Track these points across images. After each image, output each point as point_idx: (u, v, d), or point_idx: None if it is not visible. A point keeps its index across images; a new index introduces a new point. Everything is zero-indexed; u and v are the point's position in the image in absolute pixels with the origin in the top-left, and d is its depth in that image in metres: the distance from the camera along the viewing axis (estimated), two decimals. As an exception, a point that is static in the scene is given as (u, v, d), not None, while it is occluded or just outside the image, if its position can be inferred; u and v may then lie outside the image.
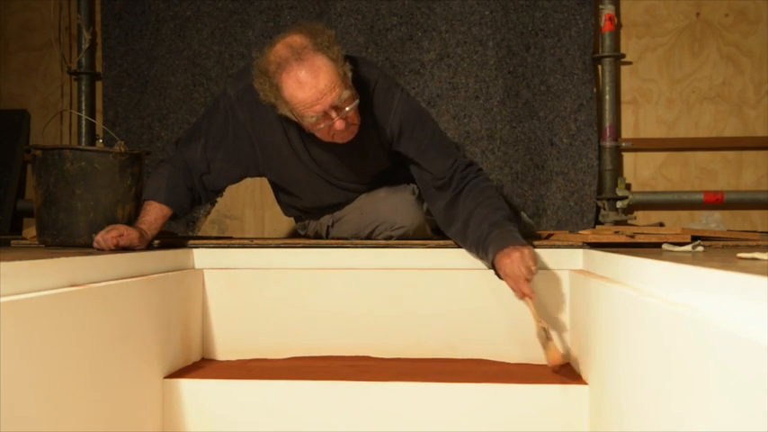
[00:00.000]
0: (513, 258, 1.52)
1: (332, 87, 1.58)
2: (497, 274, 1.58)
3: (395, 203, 1.91)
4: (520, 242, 1.57)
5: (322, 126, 1.64)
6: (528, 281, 1.52)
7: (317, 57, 1.58)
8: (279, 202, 2.13)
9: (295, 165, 1.87)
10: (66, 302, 1.14)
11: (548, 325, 1.55)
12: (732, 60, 2.81)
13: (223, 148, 1.83)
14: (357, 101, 1.65)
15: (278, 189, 2.06)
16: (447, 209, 1.76)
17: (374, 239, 1.94)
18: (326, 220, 2.05)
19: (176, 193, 1.80)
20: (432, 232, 2.05)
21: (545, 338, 1.50)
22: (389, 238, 1.92)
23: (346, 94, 1.61)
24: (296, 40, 1.60)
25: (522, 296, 1.54)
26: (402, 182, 1.97)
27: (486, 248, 1.61)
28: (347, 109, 1.63)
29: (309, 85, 1.57)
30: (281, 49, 1.60)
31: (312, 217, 2.09)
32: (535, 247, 1.76)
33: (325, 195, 1.97)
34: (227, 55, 2.85)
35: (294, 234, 2.47)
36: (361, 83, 1.74)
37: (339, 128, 1.64)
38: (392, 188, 1.97)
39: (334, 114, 1.62)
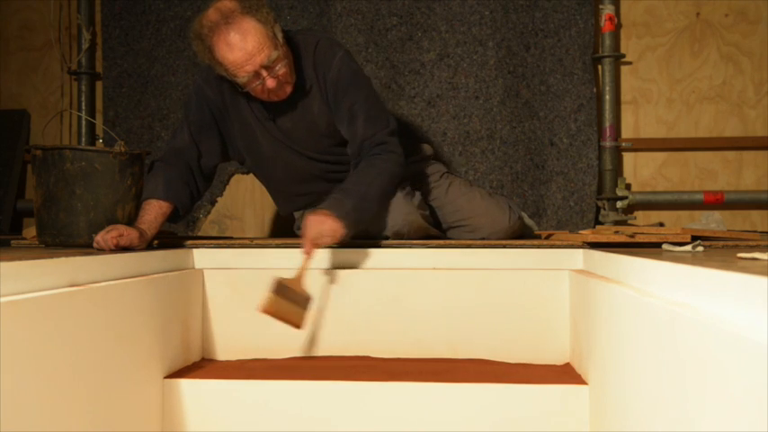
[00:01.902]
0: (316, 220, 1.61)
1: (260, 48, 1.69)
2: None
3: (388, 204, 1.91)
4: (335, 211, 1.63)
5: (255, 85, 1.75)
6: (316, 245, 1.60)
7: (245, 19, 1.69)
8: (270, 195, 2.16)
9: (261, 135, 1.93)
10: (66, 302, 1.14)
11: (291, 282, 1.60)
12: (732, 60, 2.81)
13: (206, 129, 1.92)
14: (287, 60, 1.76)
15: (258, 175, 2.11)
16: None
17: (371, 240, 1.94)
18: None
19: (174, 188, 1.82)
20: (434, 227, 2.06)
21: (275, 287, 1.55)
22: (385, 238, 1.92)
23: (275, 54, 1.71)
24: (225, 4, 1.71)
25: (303, 252, 1.61)
26: None
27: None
28: (277, 67, 1.73)
29: (238, 46, 1.68)
30: (212, 13, 1.71)
31: (303, 205, 2.08)
32: (534, 247, 1.76)
33: (296, 168, 1.99)
34: (227, 55, 2.85)
35: (294, 235, 2.47)
36: (302, 43, 1.85)
37: (270, 86, 1.74)
38: None
39: (264, 74, 1.72)
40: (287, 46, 1.78)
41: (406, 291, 1.75)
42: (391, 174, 1.81)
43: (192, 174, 1.89)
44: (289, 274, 1.76)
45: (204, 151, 1.92)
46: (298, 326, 1.60)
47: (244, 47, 1.68)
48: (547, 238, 2.11)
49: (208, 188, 2.01)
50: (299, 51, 1.85)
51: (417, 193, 2.00)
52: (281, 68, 1.73)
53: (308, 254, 1.60)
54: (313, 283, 1.76)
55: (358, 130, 1.83)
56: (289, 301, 1.57)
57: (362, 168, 1.80)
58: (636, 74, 2.86)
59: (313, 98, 1.88)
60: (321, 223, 1.61)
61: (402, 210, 1.89)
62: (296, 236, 2.26)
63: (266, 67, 1.71)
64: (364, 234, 1.96)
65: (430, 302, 1.74)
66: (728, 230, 2.02)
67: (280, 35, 1.74)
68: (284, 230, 2.83)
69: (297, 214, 2.15)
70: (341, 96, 1.85)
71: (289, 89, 1.81)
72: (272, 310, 1.54)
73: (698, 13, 2.83)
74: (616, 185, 2.79)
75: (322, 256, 1.78)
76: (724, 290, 0.82)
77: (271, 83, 1.74)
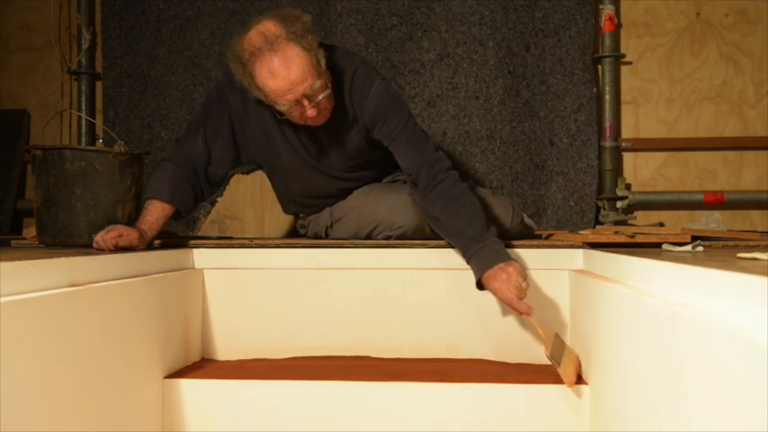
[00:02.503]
0: (501, 281, 1.52)
1: (304, 78, 1.62)
2: (482, 288, 1.58)
3: (393, 204, 1.91)
4: (503, 259, 1.55)
5: (294, 113, 1.69)
6: (521, 299, 1.51)
7: (290, 46, 1.61)
8: (278, 196, 2.14)
9: (284, 149, 1.90)
10: (66, 302, 1.14)
11: (555, 338, 1.55)
12: (732, 60, 2.81)
13: (222, 135, 1.87)
14: (329, 90, 1.69)
15: (272, 179, 2.08)
16: (422, 207, 1.78)
17: (373, 240, 1.94)
18: (325, 220, 2.05)
19: (180, 192, 1.80)
20: (431, 231, 2.05)
21: (553, 358, 1.50)
22: (388, 238, 1.92)
23: (318, 83, 1.65)
24: (269, 28, 1.63)
25: (520, 314, 1.55)
26: (392, 173, 2.02)
27: (469, 263, 1.61)
28: (319, 97, 1.67)
29: (282, 75, 1.61)
30: (254, 36, 1.63)
31: (310, 211, 2.08)
32: (534, 247, 1.76)
33: (315, 183, 1.98)
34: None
35: (294, 234, 2.47)
36: (341, 70, 1.79)
37: (311, 114, 1.69)
38: (390, 188, 1.98)
39: (306, 103, 1.66)
40: (328, 72, 1.72)
41: (406, 291, 1.75)
42: (464, 189, 1.75)
43: (199, 179, 1.86)
44: (291, 274, 1.77)
45: (215, 159, 1.88)
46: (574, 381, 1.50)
47: (288, 76, 1.61)
48: (547, 238, 2.11)
49: (213, 193, 1.97)
50: (338, 76, 1.79)
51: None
52: (323, 98, 1.68)
53: (528, 311, 1.52)
54: (313, 283, 1.76)
55: (406, 155, 1.78)
56: (564, 356, 1.53)
57: (455, 202, 1.71)
58: (636, 74, 2.86)
59: (346, 124, 1.84)
60: (508, 280, 1.52)
61: (410, 212, 1.89)
62: (298, 235, 2.27)
63: (308, 96, 1.65)
64: (368, 235, 1.97)
65: (430, 302, 1.74)
66: (728, 230, 2.02)
67: (323, 62, 1.67)
68: (284, 230, 2.83)
69: (301, 214, 2.15)
70: (381, 123, 1.80)
71: (327, 115, 1.75)
72: (572, 380, 1.48)
73: (698, 13, 2.83)
74: (616, 185, 2.79)
75: (322, 257, 1.79)
76: (724, 290, 0.82)
77: (311, 112, 1.68)
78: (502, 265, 1.54)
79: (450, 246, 1.78)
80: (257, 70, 1.62)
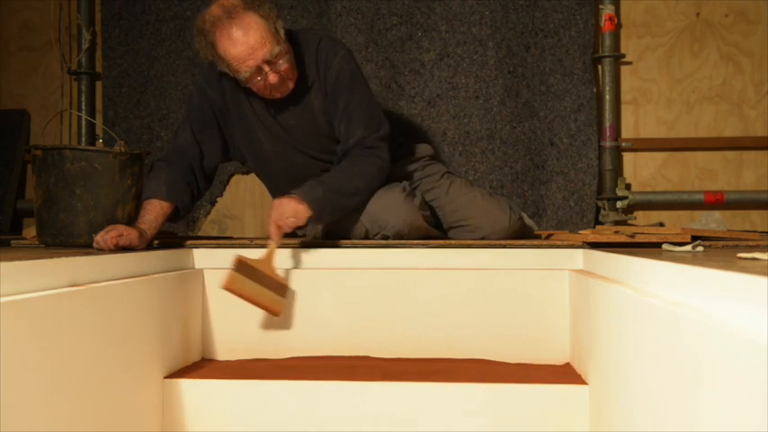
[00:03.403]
0: (280, 203, 1.65)
1: (263, 43, 1.71)
2: None
3: (384, 203, 1.90)
4: (302, 194, 1.67)
5: (257, 80, 1.75)
6: (279, 227, 1.63)
7: (248, 14, 1.71)
8: (270, 194, 2.16)
9: (261, 132, 1.94)
10: (66, 302, 1.14)
11: (262, 262, 1.62)
12: (732, 60, 2.81)
13: (208, 127, 1.93)
14: (289, 55, 1.77)
15: (259, 173, 2.12)
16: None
17: (371, 240, 1.94)
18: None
19: (176, 189, 1.83)
20: (435, 227, 2.05)
21: (236, 265, 1.56)
22: (385, 238, 1.92)
23: (277, 48, 1.73)
24: (228, 0, 1.72)
25: (269, 236, 1.65)
26: None
27: None
28: (279, 62, 1.74)
29: (241, 41, 1.70)
30: (214, 9, 1.73)
31: None
32: (534, 247, 1.76)
33: (297, 165, 2.00)
34: (227, 55, 2.85)
35: (293, 234, 2.47)
36: (304, 44, 1.87)
37: (272, 81, 1.76)
38: (383, 188, 1.97)
39: (266, 68, 1.74)
40: (288, 43, 1.79)
41: (406, 291, 1.75)
42: (371, 176, 1.84)
43: (194, 174, 1.90)
44: (291, 275, 1.76)
45: (206, 151, 1.93)
46: (273, 311, 1.61)
47: (246, 41, 1.69)
48: (547, 238, 2.11)
49: (208, 188, 2.01)
50: (302, 49, 1.86)
51: (418, 194, 2.00)
52: (282, 64, 1.75)
53: (273, 236, 1.63)
54: (313, 283, 1.76)
55: (349, 131, 1.85)
56: (258, 283, 1.58)
57: (344, 165, 1.83)
58: (636, 74, 2.86)
59: (314, 96, 1.89)
60: (284, 205, 1.65)
61: (403, 210, 1.89)
62: (295, 235, 2.27)
63: (268, 62, 1.73)
64: (365, 235, 1.97)
65: (430, 302, 1.74)
66: (728, 230, 2.02)
67: (281, 31, 1.76)
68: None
69: None
70: (337, 95, 1.87)
71: (291, 85, 1.82)
72: (234, 288, 1.56)
73: (698, 13, 2.83)
74: (616, 185, 2.79)
75: (322, 257, 1.78)
76: (724, 290, 0.82)
77: (273, 78, 1.75)
78: (295, 196, 1.66)
79: (451, 246, 1.78)
80: (218, 39, 1.71)
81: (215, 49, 1.73)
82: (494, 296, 1.71)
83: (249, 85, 1.78)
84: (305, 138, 1.95)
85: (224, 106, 1.92)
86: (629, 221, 2.76)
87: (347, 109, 1.85)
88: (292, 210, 1.65)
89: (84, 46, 2.95)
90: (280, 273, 1.75)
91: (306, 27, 1.98)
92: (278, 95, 1.82)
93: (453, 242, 1.87)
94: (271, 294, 1.62)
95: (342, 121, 1.87)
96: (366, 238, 1.96)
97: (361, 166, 1.83)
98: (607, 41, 2.78)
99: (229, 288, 1.56)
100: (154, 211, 1.76)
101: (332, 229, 2.03)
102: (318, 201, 1.70)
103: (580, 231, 2.03)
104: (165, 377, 1.52)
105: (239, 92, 1.86)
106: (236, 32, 1.69)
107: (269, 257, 1.64)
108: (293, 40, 1.84)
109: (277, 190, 2.10)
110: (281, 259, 1.79)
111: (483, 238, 2.05)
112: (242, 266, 1.58)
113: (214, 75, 1.87)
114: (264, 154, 1.98)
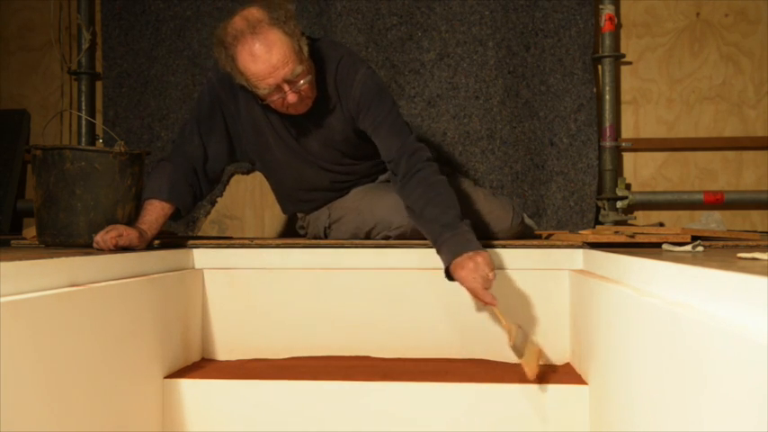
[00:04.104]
0: (469, 270, 1.48)
1: (285, 62, 1.64)
2: (450, 278, 1.55)
3: (391, 204, 1.90)
4: (473, 248, 1.52)
5: (275, 98, 1.70)
6: (487, 289, 1.48)
7: (272, 31, 1.64)
8: (275, 195, 2.14)
9: (274, 141, 1.91)
10: (66, 302, 1.14)
11: (517, 330, 1.53)
12: (732, 60, 2.81)
13: (216, 130, 1.89)
14: (310, 77, 1.71)
15: (266, 176, 2.09)
16: (401, 196, 1.77)
17: (372, 240, 1.94)
18: (323, 220, 2.05)
19: (179, 191, 1.81)
20: None
21: (517, 349, 1.50)
22: (387, 238, 1.92)
23: (299, 69, 1.67)
24: (253, 13, 1.66)
25: (485, 305, 1.52)
26: (387, 170, 2.00)
27: (439, 252, 1.58)
28: (300, 83, 1.69)
29: (263, 59, 1.63)
30: (238, 21, 1.66)
31: (307, 207, 2.08)
32: (534, 247, 1.76)
33: (306, 176, 1.98)
34: (227, 55, 2.85)
35: (294, 235, 2.47)
36: (326, 59, 1.81)
37: (292, 101, 1.70)
38: (388, 188, 1.98)
39: (286, 88, 1.68)
40: (311, 60, 1.74)
41: (406, 291, 1.75)
42: (442, 180, 1.73)
43: (197, 176, 1.87)
44: (291, 274, 1.76)
45: (211, 154, 1.89)
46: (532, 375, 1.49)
47: (268, 59, 1.63)
48: (547, 238, 2.11)
49: (212, 190, 1.98)
50: (323, 65, 1.81)
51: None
52: (303, 84, 1.69)
53: (492, 302, 1.48)
54: (313, 283, 1.76)
55: (387, 144, 1.79)
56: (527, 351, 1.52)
57: (431, 189, 1.69)
58: (636, 74, 2.86)
59: (332, 113, 1.85)
60: (475, 269, 1.47)
61: (404, 210, 1.89)
62: (297, 235, 2.27)
63: (289, 82, 1.67)
64: (366, 234, 1.97)
65: (430, 302, 1.74)
66: (728, 230, 2.02)
67: (305, 49, 1.69)
68: (284, 230, 2.83)
69: (300, 214, 2.15)
70: (365, 111, 1.81)
71: (309, 104, 1.77)
72: (535, 373, 1.47)
73: (698, 13, 2.83)
74: (616, 185, 2.79)
75: (322, 257, 1.79)
76: (724, 290, 0.82)
77: (292, 98, 1.69)
78: (471, 253, 1.50)
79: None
80: (239, 53, 1.65)
81: (235, 62, 1.66)
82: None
83: (267, 101, 1.73)
84: (317, 151, 1.92)
85: (235, 109, 1.88)
86: (629, 221, 2.76)
87: (380, 121, 1.80)
88: (482, 263, 1.49)
89: (84, 46, 2.95)
90: (280, 272, 1.75)
91: (327, 39, 1.88)
92: (294, 113, 1.78)
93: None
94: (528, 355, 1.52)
95: (377, 133, 1.81)
96: (368, 237, 1.96)
97: (431, 180, 1.71)
98: (607, 41, 2.78)
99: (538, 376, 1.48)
100: (154, 212, 1.75)
101: (334, 229, 2.04)
102: (470, 232, 1.58)
103: (580, 231, 2.03)
104: (165, 377, 1.52)
105: (253, 97, 1.80)
106: (259, 49, 1.62)
107: (511, 328, 1.52)
108: (314, 53, 1.77)
109: (283, 194, 2.10)
110: (282, 259, 1.79)
111: (486, 239, 2.05)
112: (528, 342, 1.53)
113: (228, 75, 1.80)
114: (274, 161, 1.96)
